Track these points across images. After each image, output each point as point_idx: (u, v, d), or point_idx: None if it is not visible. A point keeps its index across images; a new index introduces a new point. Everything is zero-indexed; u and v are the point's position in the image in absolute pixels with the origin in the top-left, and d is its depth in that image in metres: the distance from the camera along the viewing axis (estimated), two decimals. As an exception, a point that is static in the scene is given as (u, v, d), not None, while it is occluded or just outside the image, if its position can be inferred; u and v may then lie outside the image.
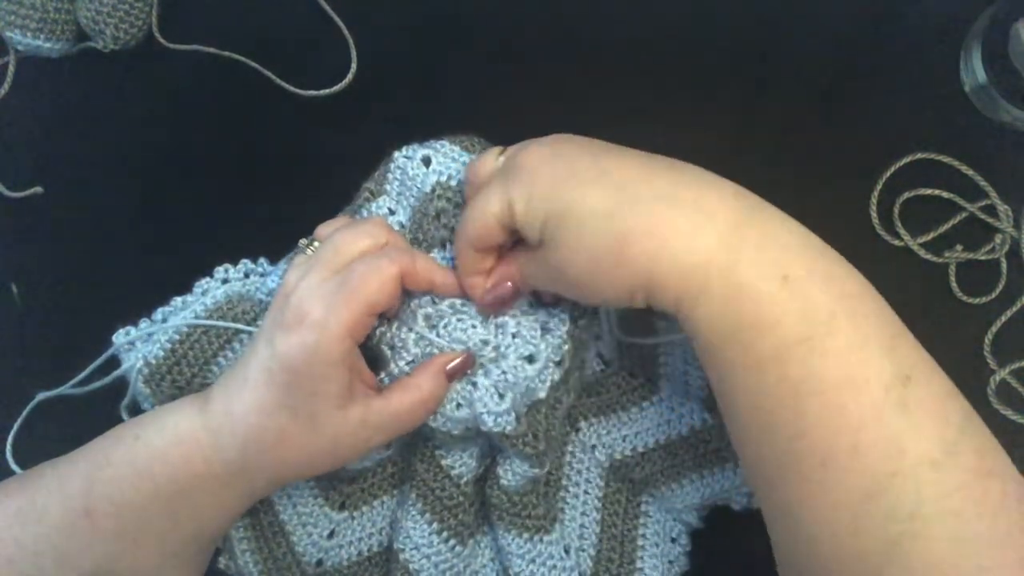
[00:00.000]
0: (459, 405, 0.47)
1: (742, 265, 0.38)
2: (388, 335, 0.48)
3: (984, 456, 0.36)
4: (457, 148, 0.51)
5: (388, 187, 0.53)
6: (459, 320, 0.48)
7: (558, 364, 0.48)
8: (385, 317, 0.49)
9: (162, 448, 0.44)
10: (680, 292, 0.39)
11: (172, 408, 0.46)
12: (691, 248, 0.38)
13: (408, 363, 0.48)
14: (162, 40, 0.62)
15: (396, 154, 0.52)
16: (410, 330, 0.48)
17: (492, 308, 0.47)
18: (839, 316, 0.37)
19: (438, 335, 0.48)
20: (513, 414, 0.47)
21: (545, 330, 0.48)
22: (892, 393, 0.36)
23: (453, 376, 0.47)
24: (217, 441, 0.44)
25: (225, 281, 0.54)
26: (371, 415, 0.44)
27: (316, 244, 0.48)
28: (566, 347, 0.48)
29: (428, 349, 0.48)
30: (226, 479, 0.44)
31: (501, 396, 0.47)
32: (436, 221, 0.50)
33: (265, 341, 0.43)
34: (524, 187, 0.42)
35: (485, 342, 0.47)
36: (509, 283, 0.46)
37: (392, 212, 0.53)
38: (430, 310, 0.48)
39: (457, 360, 0.47)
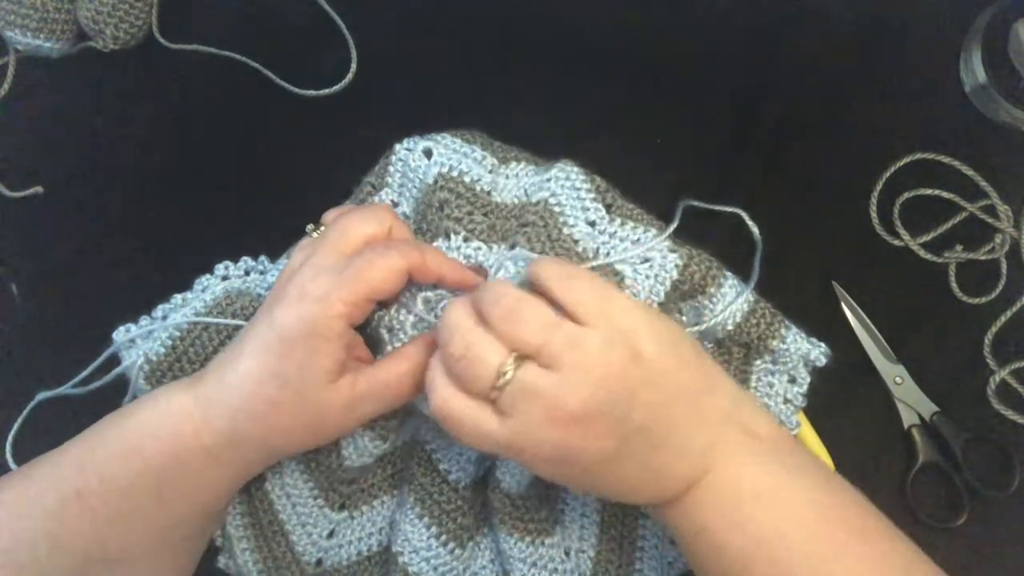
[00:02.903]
0: None
1: None
2: (386, 318, 0.48)
3: None
4: (458, 140, 0.51)
5: (390, 179, 0.53)
6: None
7: None
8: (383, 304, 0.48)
9: (153, 423, 0.44)
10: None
11: (167, 386, 0.46)
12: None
13: None
14: (162, 40, 0.62)
15: (397, 146, 0.53)
16: (409, 312, 0.47)
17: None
18: None
19: (436, 317, 0.47)
20: None
21: None
22: None
23: None
24: (208, 411, 0.44)
25: (225, 278, 0.54)
26: (359, 383, 0.44)
27: (322, 229, 0.48)
28: None
29: (426, 331, 0.47)
30: (215, 452, 0.44)
31: None
32: (440, 211, 0.50)
33: (265, 313, 0.44)
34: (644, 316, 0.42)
35: None
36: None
37: (395, 204, 0.53)
38: (429, 293, 0.48)
39: None
